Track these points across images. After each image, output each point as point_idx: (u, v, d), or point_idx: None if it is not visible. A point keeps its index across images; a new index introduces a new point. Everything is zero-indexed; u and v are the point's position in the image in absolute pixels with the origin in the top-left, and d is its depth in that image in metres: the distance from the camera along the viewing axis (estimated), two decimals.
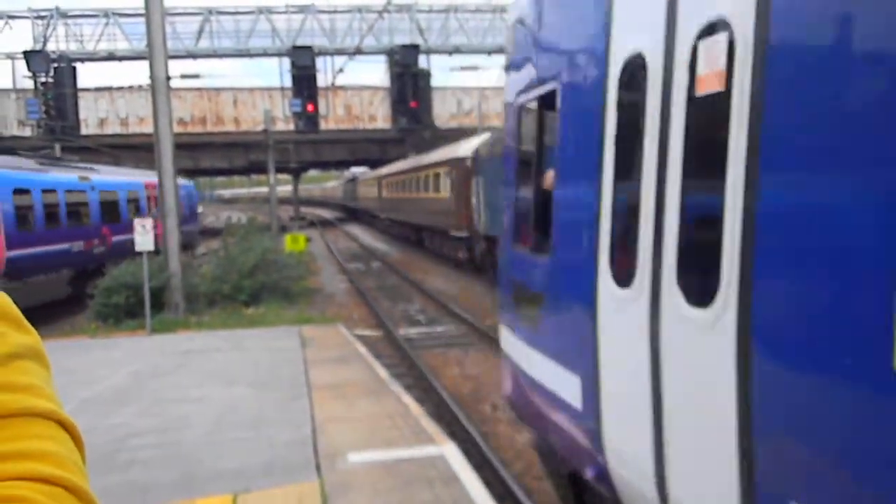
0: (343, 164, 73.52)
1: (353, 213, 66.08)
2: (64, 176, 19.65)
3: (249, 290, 17.16)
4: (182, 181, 41.85)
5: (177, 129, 46.59)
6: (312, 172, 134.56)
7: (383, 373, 10.06)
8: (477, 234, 19.84)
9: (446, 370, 11.65)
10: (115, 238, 21.12)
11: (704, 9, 1.72)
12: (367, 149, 52.40)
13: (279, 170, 50.68)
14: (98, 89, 47.99)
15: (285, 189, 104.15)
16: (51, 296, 18.57)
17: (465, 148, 22.02)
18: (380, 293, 20.90)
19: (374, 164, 54.87)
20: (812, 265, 1.39)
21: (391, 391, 8.82)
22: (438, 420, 8.53)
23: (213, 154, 46.72)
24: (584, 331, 2.79)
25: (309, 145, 51.41)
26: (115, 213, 21.78)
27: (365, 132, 53.46)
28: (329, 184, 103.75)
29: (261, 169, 43.56)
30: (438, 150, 27.45)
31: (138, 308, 15.31)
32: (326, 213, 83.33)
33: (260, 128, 37.78)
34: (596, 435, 2.86)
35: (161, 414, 8.20)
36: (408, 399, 8.43)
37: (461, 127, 53.65)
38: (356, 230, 50.07)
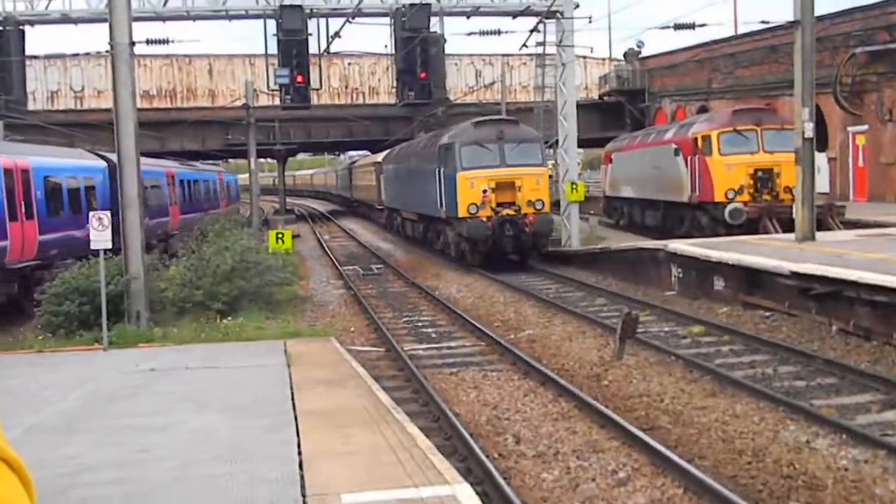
0: (339, 147, 73.91)
1: (350, 204, 66.28)
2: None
3: (225, 297, 17.25)
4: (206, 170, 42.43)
5: (141, 103, 46.76)
6: (302, 157, 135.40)
7: (385, 397, 10.09)
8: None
9: (460, 395, 11.66)
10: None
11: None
12: (368, 128, 52.55)
13: (262, 153, 50.80)
14: (49, 57, 48.38)
15: (270, 177, 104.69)
16: None
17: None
18: (381, 301, 20.93)
19: (375, 147, 54.93)
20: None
21: (394, 419, 8.85)
22: (450, 455, 8.51)
23: (183, 134, 46.97)
24: None
25: (298, 124, 51.60)
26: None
27: (365, 108, 53.62)
28: (322, 170, 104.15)
29: (240, 152, 43.69)
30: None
31: (93, 318, 15.40)
32: (319, 205, 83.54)
33: (240, 103, 37.93)
34: None
35: (120, 444, 8.24)
36: (414, 429, 8.44)
37: (480, 103, 53.78)
38: (354, 225, 50.23)
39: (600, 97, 52.93)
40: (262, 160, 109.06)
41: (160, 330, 15.66)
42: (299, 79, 25.39)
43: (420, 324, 17.55)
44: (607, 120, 52.55)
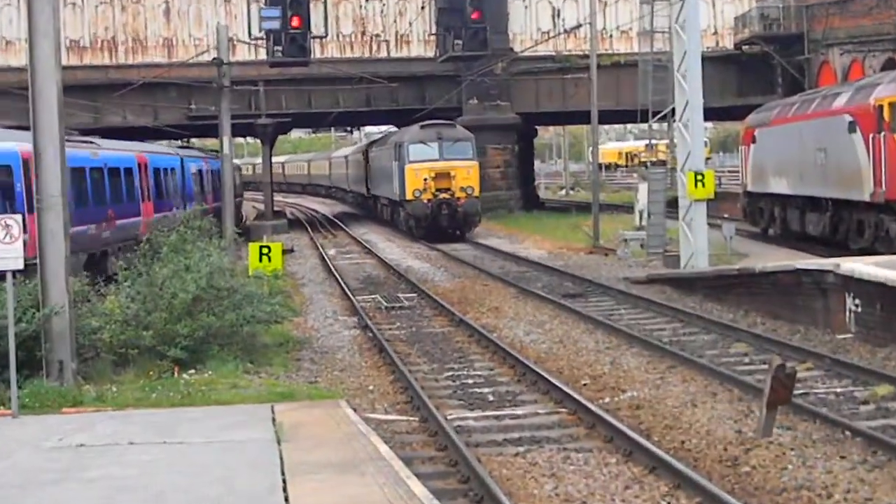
0: (350, 121, 74.33)
1: (366, 204, 66.90)
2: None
3: (186, 340, 17.38)
4: (182, 153, 43.90)
5: (68, 59, 47.46)
6: (298, 134, 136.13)
7: (420, 489, 10.07)
8: None
9: (530, 486, 11.60)
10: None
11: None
12: (394, 93, 52.86)
13: (240, 130, 51.38)
14: None
15: (252, 164, 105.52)
16: None
17: None
18: (413, 347, 20.95)
19: (405, 121, 55.20)
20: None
21: None
22: None
23: (127, 102, 47.62)
24: None
25: (293, 87, 52.07)
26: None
27: (390, 64, 53.95)
28: (323, 155, 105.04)
29: (209, 128, 44.09)
30: None
31: None
32: (320, 206, 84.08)
33: (208, 57, 38.27)
34: None
35: None
36: None
37: (559, 54, 53.84)
38: (373, 235, 50.46)
39: (737, 46, 52.72)
40: (239, 140, 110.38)
41: (93, 388, 15.81)
42: (295, 22, 25.60)
43: (470, 380, 17.52)
44: (747, 80, 52.39)
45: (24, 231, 14.59)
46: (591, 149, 51.31)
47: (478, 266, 34.41)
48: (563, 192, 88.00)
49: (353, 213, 72.40)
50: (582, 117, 53.53)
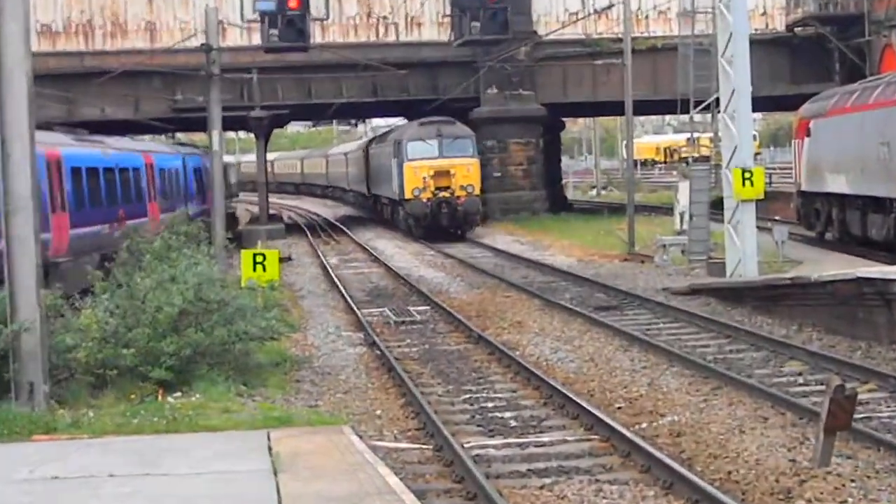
0: (355, 113, 74.44)
1: (367, 205, 67.70)
2: None
3: (172, 359, 17.37)
4: (162, 148, 44.62)
5: (38, 45, 47.46)
6: (296, 128, 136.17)
7: None
8: None
9: None
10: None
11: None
12: (404, 82, 52.82)
13: (231, 123, 51.49)
14: None
15: (246, 163, 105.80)
16: None
17: None
18: (426, 366, 20.96)
19: (416, 112, 55.19)
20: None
21: None
22: None
23: (105, 93, 47.76)
24: None
25: (290, 76, 52.11)
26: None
27: (400, 50, 53.92)
28: (319, 152, 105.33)
29: (196, 122, 44.19)
30: None
31: None
32: (320, 208, 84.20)
33: (196, 42, 38.34)
34: None
35: None
36: None
37: (588, 38, 53.78)
38: (381, 242, 50.51)
39: (789, 28, 52.67)
40: (230, 135, 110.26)
41: (67, 413, 15.81)
42: (293, 3, 25.69)
43: (490, 403, 17.53)
44: (801, 66, 52.28)
45: None
46: (625, 143, 51.22)
47: (498, 275, 34.42)
48: (594, 192, 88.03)
49: (357, 215, 72.52)
50: (615, 108, 53.55)
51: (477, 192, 48.92)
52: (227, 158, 68.42)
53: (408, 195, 48.60)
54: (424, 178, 47.97)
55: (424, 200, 47.94)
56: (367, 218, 67.60)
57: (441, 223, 48.16)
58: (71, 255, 27.83)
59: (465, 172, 48.18)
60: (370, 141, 67.39)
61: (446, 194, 47.90)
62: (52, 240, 27.24)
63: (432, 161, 48.18)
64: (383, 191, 58.22)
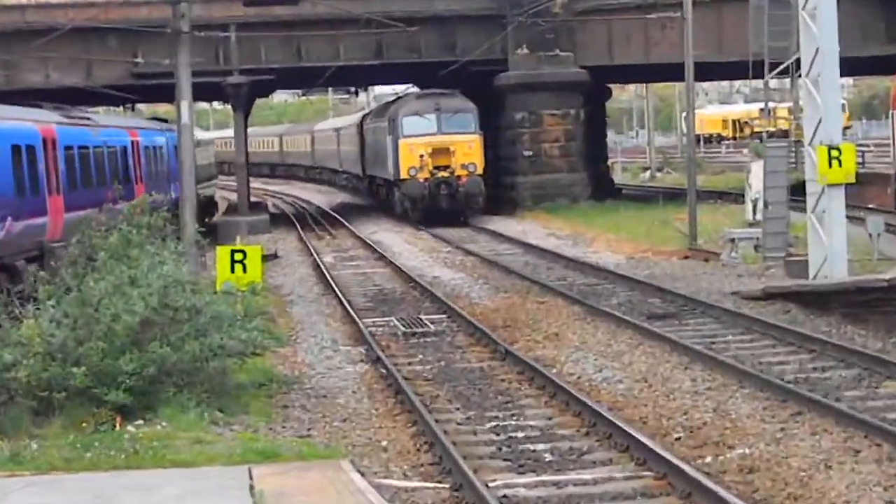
0: (354, 78, 74.23)
1: (362, 188, 68.64)
2: None
3: (132, 378, 17.38)
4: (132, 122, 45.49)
5: None
6: (283, 97, 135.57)
7: None
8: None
9: None
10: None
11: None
12: (414, 41, 52.76)
13: (204, 91, 51.41)
14: None
15: (221, 139, 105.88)
16: None
17: None
18: (441, 388, 20.96)
19: (430, 79, 55.15)
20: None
21: None
22: None
23: (50, 55, 47.78)
24: None
25: (275, 33, 52.04)
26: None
27: (407, 1, 53.74)
28: (302, 128, 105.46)
29: (162, 90, 44.17)
30: None
31: None
32: (313, 195, 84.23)
33: None
34: None
35: None
36: None
37: None
38: (387, 235, 50.51)
39: None
40: (203, 105, 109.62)
41: (6, 444, 15.83)
42: None
43: (520, 433, 17.52)
44: None
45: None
46: (684, 115, 51.07)
47: (530, 276, 34.42)
48: (647, 174, 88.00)
49: (355, 203, 72.63)
50: (671, 72, 53.40)
51: (479, 171, 52.41)
52: (203, 134, 68.63)
53: (403, 175, 52.70)
54: (421, 156, 51.71)
55: (421, 181, 51.74)
56: (368, 206, 67.67)
57: (440, 206, 51.99)
58: (66, 240, 28.92)
59: (467, 150, 51.81)
60: (366, 115, 68.43)
61: (445, 174, 51.57)
62: (49, 223, 30.24)
63: (430, 138, 51.94)
64: (378, 171, 62.13)
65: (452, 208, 52.13)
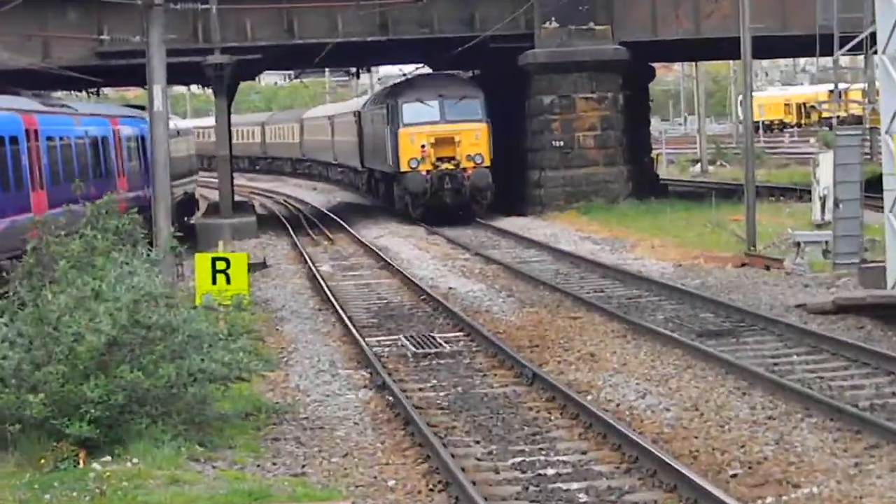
0: (355, 57, 74.32)
1: (360, 183, 69.95)
2: None
3: (98, 408, 17.40)
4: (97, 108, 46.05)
5: None
6: (272, 79, 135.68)
7: None
8: None
9: None
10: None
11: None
12: (425, 14, 52.80)
13: (180, 73, 51.56)
14: None
15: (204, 126, 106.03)
16: None
17: None
18: (458, 419, 21.02)
19: (442, 55, 55.25)
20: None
21: None
22: None
23: (0, 31, 47.86)
24: None
25: (263, 6, 52.11)
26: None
27: None
28: (288, 115, 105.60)
29: (131, 70, 44.24)
30: None
31: None
32: (308, 193, 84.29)
33: None
34: None
35: None
36: None
37: None
38: (393, 240, 50.51)
39: None
40: (180, 89, 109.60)
41: None
42: None
43: (551, 470, 17.52)
44: None
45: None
46: (741, 99, 50.99)
47: (561, 288, 34.43)
48: (697, 168, 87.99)
49: (355, 202, 72.76)
50: (726, 48, 53.43)
51: (487, 162, 54.43)
52: (183, 123, 68.86)
53: (403, 167, 54.80)
54: (423, 146, 53.81)
55: (423, 173, 53.88)
56: (370, 206, 67.79)
57: (444, 201, 53.60)
58: None
59: (473, 139, 53.55)
60: (367, 101, 69.09)
61: (450, 166, 53.79)
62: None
63: (433, 126, 53.77)
64: (376, 164, 65.06)
65: (457, 204, 54.05)
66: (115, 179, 41.15)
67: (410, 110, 54.56)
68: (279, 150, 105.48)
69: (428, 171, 53.39)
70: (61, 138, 35.63)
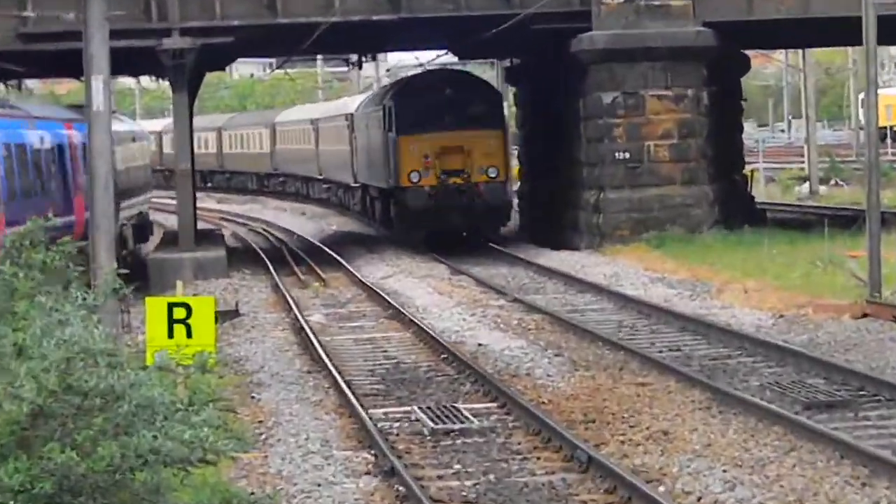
0: (355, 42, 74.89)
1: (353, 201, 73.61)
2: None
3: (19, 499, 17.48)
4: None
5: None
6: (247, 70, 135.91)
7: None
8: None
9: None
10: None
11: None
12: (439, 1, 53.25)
13: (128, 60, 51.86)
14: None
15: (158, 128, 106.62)
16: None
17: None
18: None
19: (468, 41, 55.59)
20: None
21: None
22: None
23: None
24: None
25: None
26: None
27: None
28: (270, 120, 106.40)
29: (62, 59, 44.47)
30: None
31: None
32: (295, 219, 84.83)
33: None
34: None
35: None
36: None
37: None
38: (409, 283, 50.69)
39: None
40: (128, 82, 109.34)
41: None
42: None
43: None
44: None
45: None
46: (861, 98, 51.05)
47: (624, 345, 34.43)
48: (805, 188, 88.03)
49: (354, 231, 73.30)
50: (842, 31, 53.49)
51: (503, 176, 56.92)
52: (131, 124, 69.33)
53: (403, 182, 56.77)
54: (427, 157, 55.83)
55: (426, 189, 55.38)
56: (375, 236, 68.15)
57: (451, 222, 56.14)
58: None
59: (486, 149, 55.95)
60: (363, 102, 71.46)
61: (459, 180, 55.75)
62: None
63: (439, 133, 55.99)
64: (370, 178, 66.69)
65: (468, 225, 56.63)
66: (70, 198, 42.45)
67: (411, 113, 56.38)
68: (241, 162, 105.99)
69: (432, 187, 55.14)
70: (17, 146, 36.93)
